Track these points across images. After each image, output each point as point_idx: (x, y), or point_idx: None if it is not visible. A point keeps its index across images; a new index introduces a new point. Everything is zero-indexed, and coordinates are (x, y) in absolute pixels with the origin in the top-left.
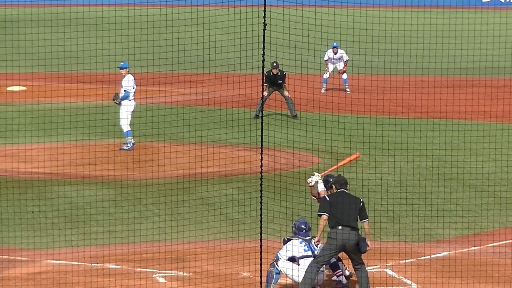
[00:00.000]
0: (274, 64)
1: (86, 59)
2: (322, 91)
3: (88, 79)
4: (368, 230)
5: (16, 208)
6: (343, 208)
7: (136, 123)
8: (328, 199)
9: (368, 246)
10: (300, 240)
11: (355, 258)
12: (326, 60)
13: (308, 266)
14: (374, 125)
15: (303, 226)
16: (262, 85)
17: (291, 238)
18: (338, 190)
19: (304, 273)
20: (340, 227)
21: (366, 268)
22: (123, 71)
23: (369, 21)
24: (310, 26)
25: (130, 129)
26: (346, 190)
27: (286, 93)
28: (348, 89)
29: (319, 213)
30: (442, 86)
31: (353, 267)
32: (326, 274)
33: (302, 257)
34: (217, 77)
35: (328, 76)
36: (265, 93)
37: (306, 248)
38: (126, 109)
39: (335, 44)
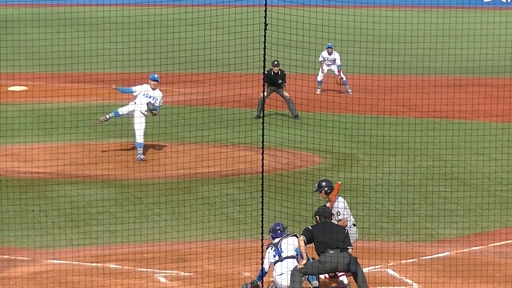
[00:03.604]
0: (275, 62)
1: (87, 59)
2: (318, 92)
3: (89, 79)
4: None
5: (17, 208)
6: (328, 234)
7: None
8: (311, 228)
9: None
10: (271, 247)
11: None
12: (321, 61)
13: (291, 274)
14: (375, 124)
15: (277, 228)
16: (263, 85)
17: (268, 246)
18: (321, 221)
19: (281, 275)
20: (331, 251)
21: (363, 269)
22: (155, 83)
23: (369, 21)
24: (311, 26)
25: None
26: (330, 221)
27: (285, 93)
28: (349, 90)
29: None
30: (443, 85)
31: (352, 274)
32: (325, 275)
33: (275, 262)
34: (218, 77)
35: (322, 78)
36: (265, 94)
37: (274, 254)
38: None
39: (329, 44)
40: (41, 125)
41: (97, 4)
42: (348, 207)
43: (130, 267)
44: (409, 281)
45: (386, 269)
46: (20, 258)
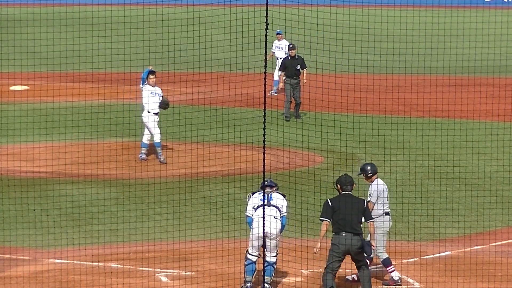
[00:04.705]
0: (291, 45)
1: (89, 58)
2: (271, 93)
3: (90, 79)
4: (373, 230)
5: (18, 207)
6: (346, 213)
7: (139, 122)
8: (330, 203)
9: (373, 246)
10: (259, 192)
11: (358, 259)
12: (273, 52)
13: (323, 275)
14: (376, 124)
15: (266, 181)
16: (265, 77)
17: (255, 192)
18: (342, 192)
19: (258, 223)
20: (343, 233)
21: (369, 268)
22: (153, 78)
23: (371, 20)
24: (313, 25)
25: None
26: (351, 191)
27: (304, 80)
28: (274, 90)
29: (320, 218)
30: (445, 85)
31: (356, 266)
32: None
33: (258, 207)
34: (219, 77)
35: (278, 76)
36: (281, 85)
37: (262, 198)
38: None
39: (279, 30)
40: (42, 125)
41: (98, 3)
42: (386, 194)
43: (131, 266)
44: (411, 280)
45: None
46: (22, 257)
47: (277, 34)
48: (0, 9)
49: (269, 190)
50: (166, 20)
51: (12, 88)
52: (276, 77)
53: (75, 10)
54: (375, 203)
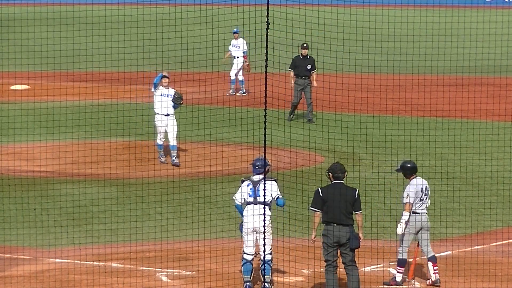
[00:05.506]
0: (305, 45)
1: (89, 57)
2: (229, 93)
3: (91, 78)
4: (361, 222)
5: (18, 206)
6: (336, 204)
7: (139, 122)
8: (321, 194)
9: (360, 238)
10: (248, 182)
11: (347, 256)
12: (230, 50)
13: (325, 272)
14: (377, 124)
15: (257, 163)
16: (265, 76)
17: (245, 179)
18: (333, 181)
19: (250, 218)
20: (334, 225)
21: (364, 268)
22: (167, 80)
23: (372, 20)
24: (313, 25)
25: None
26: (343, 180)
27: (314, 82)
28: (243, 90)
29: (310, 208)
30: (445, 84)
31: (344, 268)
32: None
33: (247, 203)
34: (220, 76)
35: (234, 77)
36: (292, 83)
37: (250, 193)
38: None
39: (235, 29)
40: (43, 124)
41: (98, 3)
42: (420, 194)
43: (132, 266)
44: (411, 280)
45: (389, 268)
46: (22, 256)
47: (234, 33)
48: (0, 9)
49: (258, 178)
50: (167, 20)
51: (12, 87)
52: (232, 77)
53: (76, 9)
54: (406, 203)
